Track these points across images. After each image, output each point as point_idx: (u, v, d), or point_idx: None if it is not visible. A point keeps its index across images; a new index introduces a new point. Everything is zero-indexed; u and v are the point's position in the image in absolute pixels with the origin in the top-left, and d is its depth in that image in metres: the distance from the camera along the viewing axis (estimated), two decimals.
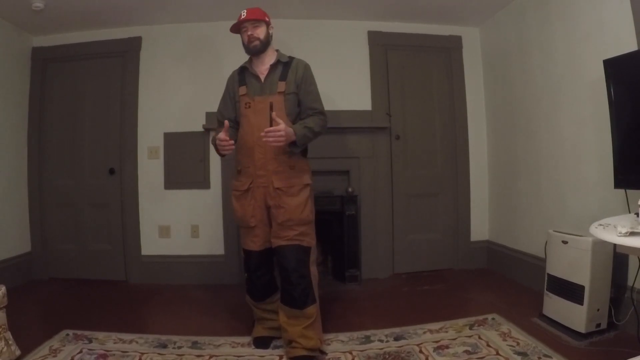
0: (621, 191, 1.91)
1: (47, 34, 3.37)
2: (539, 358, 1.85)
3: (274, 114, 1.85)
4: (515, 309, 2.49)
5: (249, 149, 1.97)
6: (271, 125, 1.84)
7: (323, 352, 1.99)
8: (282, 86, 1.97)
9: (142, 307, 2.80)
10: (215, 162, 3.30)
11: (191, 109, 3.33)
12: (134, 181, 3.36)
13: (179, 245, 3.36)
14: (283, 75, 2.00)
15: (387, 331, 2.23)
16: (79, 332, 2.24)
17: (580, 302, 2.07)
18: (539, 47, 2.80)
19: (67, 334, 2.22)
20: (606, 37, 2.21)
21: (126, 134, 3.36)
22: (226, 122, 1.90)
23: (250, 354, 2.02)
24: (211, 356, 2.00)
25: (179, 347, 2.09)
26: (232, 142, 1.90)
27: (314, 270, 2.00)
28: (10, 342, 1.89)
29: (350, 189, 3.27)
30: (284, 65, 2.03)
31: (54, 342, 2.13)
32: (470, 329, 2.23)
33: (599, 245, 2.02)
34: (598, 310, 2.07)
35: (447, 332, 2.20)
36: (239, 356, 2.00)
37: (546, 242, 2.35)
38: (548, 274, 2.31)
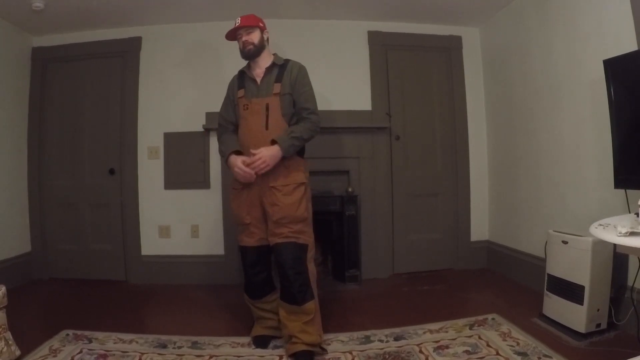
0: (621, 191, 1.91)
1: (47, 34, 3.38)
2: (539, 358, 1.85)
3: (252, 151, 1.92)
4: (515, 309, 2.49)
5: (246, 149, 2.02)
6: (267, 128, 1.96)
7: (323, 349, 2.00)
8: (277, 88, 2.02)
9: (142, 307, 2.80)
10: (215, 162, 3.30)
11: (191, 109, 3.33)
12: (134, 181, 3.36)
13: (179, 245, 3.36)
14: (279, 77, 2.05)
15: (387, 331, 2.23)
16: (79, 332, 2.24)
17: (580, 302, 2.07)
18: (539, 47, 2.81)
19: (67, 334, 2.22)
20: (606, 37, 2.21)
21: (126, 134, 3.36)
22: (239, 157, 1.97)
23: (250, 354, 2.02)
24: (211, 356, 2.00)
25: (179, 347, 2.09)
26: (253, 173, 1.93)
27: (311, 267, 2.03)
28: (10, 342, 1.89)
29: (350, 189, 3.27)
30: (280, 67, 2.08)
31: (54, 342, 2.13)
32: (470, 329, 2.23)
33: (599, 245, 2.02)
34: (598, 310, 2.07)
35: (447, 332, 2.20)
36: (239, 356, 2.00)
37: (546, 242, 2.35)
38: (548, 274, 2.31)
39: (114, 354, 2.01)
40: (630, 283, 2.08)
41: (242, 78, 2.12)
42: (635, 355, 1.68)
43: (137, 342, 2.15)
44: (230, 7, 3.03)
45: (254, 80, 2.08)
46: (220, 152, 2.14)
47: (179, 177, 3.35)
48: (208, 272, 3.29)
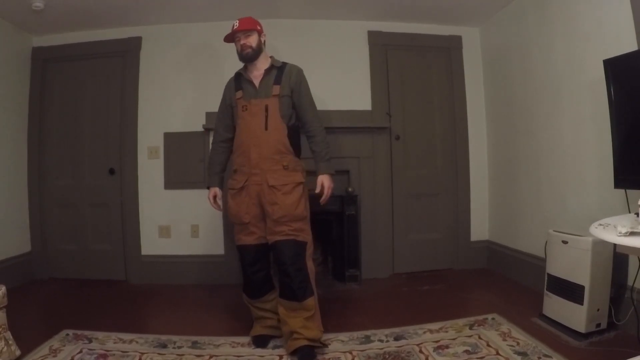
0: (621, 191, 1.91)
1: (47, 34, 3.37)
2: (539, 358, 1.85)
3: (314, 191, 2.12)
4: (515, 309, 2.49)
5: (245, 149, 2.05)
6: (266, 129, 2.02)
7: (325, 345, 2.01)
8: (276, 89, 2.06)
9: (142, 307, 2.81)
10: None
11: (191, 109, 3.33)
12: (134, 181, 3.36)
13: (179, 245, 3.36)
14: (277, 79, 2.08)
15: (387, 331, 2.23)
16: (79, 332, 2.24)
17: (580, 302, 2.07)
18: (539, 47, 2.80)
19: (67, 334, 2.23)
20: (606, 37, 2.21)
21: (126, 134, 3.36)
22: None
23: (250, 354, 2.02)
24: (211, 356, 2.00)
25: (179, 347, 2.10)
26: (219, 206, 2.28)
27: (310, 264, 2.05)
28: (10, 342, 1.90)
29: (350, 189, 3.27)
30: (278, 69, 2.11)
31: (54, 342, 2.13)
32: (470, 328, 2.23)
33: (599, 245, 2.02)
34: (598, 310, 2.07)
35: (447, 332, 2.20)
36: (238, 356, 2.00)
37: (546, 242, 2.35)
38: (548, 274, 2.31)
39: (114, 354, 2.01)
40: (630, 283, 2.08)
41: (239, 80, 2.15)
42: (635, 355, 1.68)
43: (137, 342, 2.15)
44: (230, 7, 3.03)
45: (252, 83, 2.10)
46: (208, 173, 2.34)
47: (179, 177, 3.35)
48: (208, 272, 3.29)
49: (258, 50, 2.08)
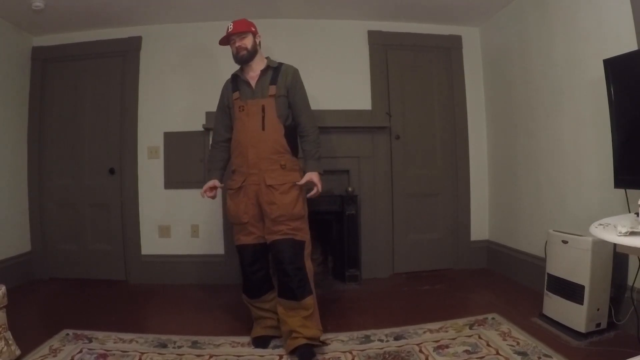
0: (621, 191, 1.91)
1: (47, 34, 3.37)
2: (539, 358, 1.85)
3: (299, 183, 2.06)
4: (515, 308, 2.49)
5: (243, 149, 2.07)
6: (263, 129, 2.03)
7: (324, 343, 2.01)
8: (272, 90, 2.07)
9: (142, 307, 2.81)
10: None
11: (191, 108, 3.33)
12: (134, 181, 3.36)
13: (179, 245, 3.36)
14: (273, 79, 2.10)
15: (387, 331, 2.23)
16: (79, 332, 2.24)
17: (580, 302, 2.07)
18: (539, 47, 2.80)
19: (67, 334, 2.22)
20: (606, 37, 2.21)
21: (126, 134, 3.36)
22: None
23: (250, 354, 2.02)
24: (211, 356, 2.00)
25: (179, 347, 2.09)
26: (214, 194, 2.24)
27: (309, 263, 2.06)
28: (10, 341, 1.90)
29: (350, 189, 3.27)
30: (274, 70, 2.13)
31: (54, 342, 2.13)
32: (470, 328, 2.23)
33: (599, 245, 2.02)
34: (598, 310, 2.07)
35: (447, 331, 2.20)
36: (238, 356, 2.00)
37: (546, 242, 2.35)
38: (548, 274, 2.31)
39: (114, 354, 2.01)
40: (630, 283, 2.08)
41: (236, 81, 2.17)
42: (635, 355, 1.68)
43: (137, 342, 2.15)
44: (230, 7, 3.03)
45: (248, 83, 2.12)
46: (207, 168, 2.29)
47: (179, 177, 3.35)
48: (208, 271, 3.29)
49: (253, 52, 2.10)
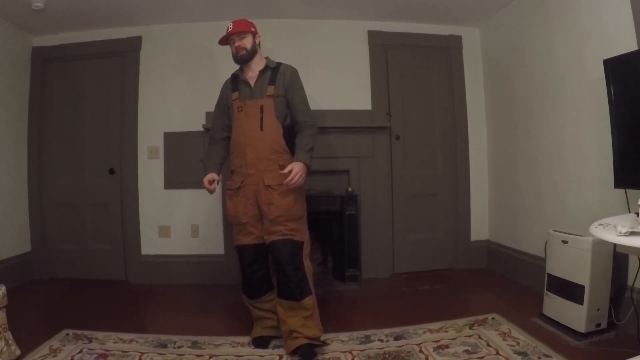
0: (621, 191, 1.91)
1: (47, 34, 3.37)
2: (539, 358, 1.85)
3: (283, 172, 1.95)
4: (515, 308, 2.49)
5: (241, 150, 2.07)
6: (261, 129, 2.02)
7: (324, 343, 2.01)
8: (271, 90, 2.07)
9: (142, 307, 2.81)
10: None
11: (191, 108, 3.33)
12: (134, 181, 3.36)
13: (178, 245, 3.36)
14: (272, 79, 2.10)
15: (387, 331, 2.23)
16: (79, 332, 2.24)
17: (580, 302, 2.07)
18: (539, 47, 2.80)
19: (67, 334, 2.22)
20: (606, 37, 2.21)
21: (126, 134, 3.36)
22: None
23: (250, 354, 2.02)
24: (211, 356, 2.00)
25: (179, 347, 2.09)
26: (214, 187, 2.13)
27: (308, 264, 2.06)
28: (10, 342, 1.90)
29: (350, 189, 3.27)
30: (273, 70, 2.13)
31: (54, 342, 2.13)
32: (470, 328, 2.23)
33: (599, 245, 2.02)
34: (598, 310, 2.07)
35: (447, 331, 2.20)
36: (239, 356, 2.00)
37: (546, 242, 2.35)
38: (548, 274, 2.31)
39: (114, 354, 2.01)
40: (630, 283, 2.08)
41: (235, 81, 2.17)
42: (635, 355, 1.68)
43: (137, 342, 2.15)
44: (230, 7, 3.03)
45: (247, 84, 2.12)
46: (203, 164, 2.24)
47: (179, 177, 3.35)
48: (208, 272, 3.29)
49: (253, 52, 2.10)
